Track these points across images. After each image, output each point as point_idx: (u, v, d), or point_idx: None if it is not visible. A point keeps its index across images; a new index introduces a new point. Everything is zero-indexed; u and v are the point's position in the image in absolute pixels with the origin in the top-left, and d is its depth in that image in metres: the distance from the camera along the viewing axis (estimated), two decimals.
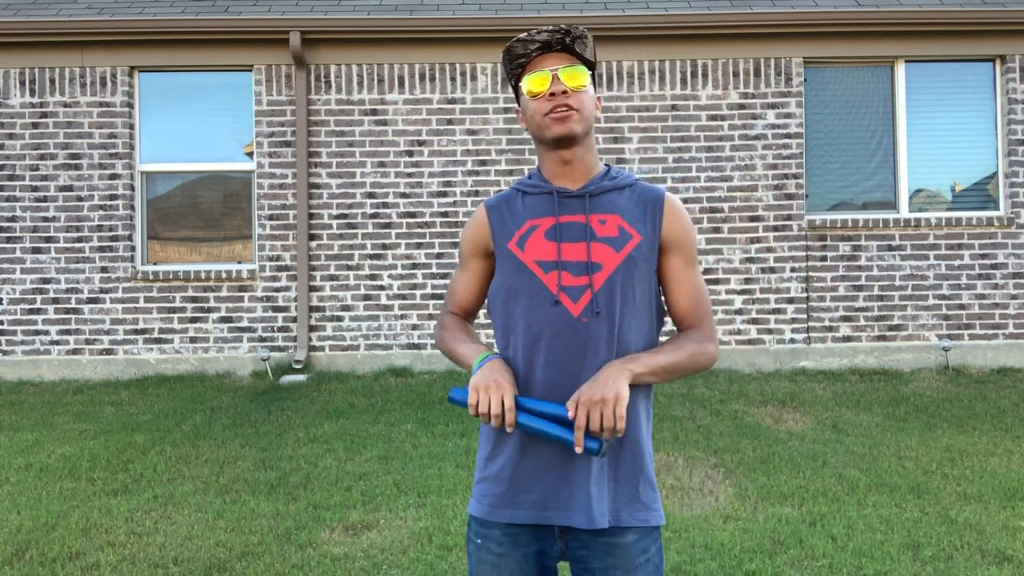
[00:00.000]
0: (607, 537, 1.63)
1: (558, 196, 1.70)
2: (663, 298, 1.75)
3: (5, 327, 7.43)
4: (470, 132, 7.50)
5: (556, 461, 1.63)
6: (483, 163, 7.48)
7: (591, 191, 1.70)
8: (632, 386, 1.64)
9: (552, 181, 1.73)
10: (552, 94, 1.65)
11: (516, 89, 1.75)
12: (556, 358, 1.63)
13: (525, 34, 1.67)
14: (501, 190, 7.47)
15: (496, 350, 1.75)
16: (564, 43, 1.68)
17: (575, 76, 1.66)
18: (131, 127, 7.53)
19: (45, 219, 7.43)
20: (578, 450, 1.52)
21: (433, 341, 7.44)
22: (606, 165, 1.77)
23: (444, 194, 7.47)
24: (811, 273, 7.49)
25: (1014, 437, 5.28)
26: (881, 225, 7.45)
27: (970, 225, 7.49)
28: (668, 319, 7.56)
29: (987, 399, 6.31)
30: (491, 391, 1.56)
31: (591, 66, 1.73)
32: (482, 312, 7.13)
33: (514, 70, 1.73)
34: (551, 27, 1.67)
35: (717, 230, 7.49)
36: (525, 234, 1.70)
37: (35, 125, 7.46)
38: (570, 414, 1.53)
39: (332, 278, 7.48)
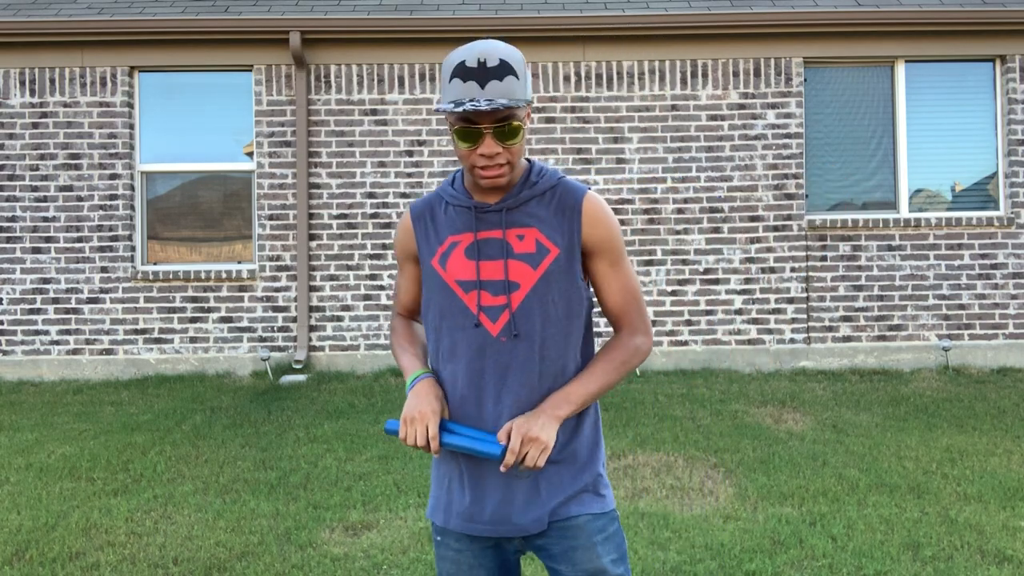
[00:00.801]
0: (560, 522, 1.66)
1: (476, 211, 1.68)
2: (600, 301, 1.77)
3: (5, 327, 7.43)
4: None
5: (488, 472, 1.67)
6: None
7: (509, 205, 1.67)
8: None
9: (473, 194, 1.71)
10: (483, 155, 1.58)
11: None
12: (478, 377, 1.66)
13: (464, 106, 1.51)
14: None
15: (428, 365, 1.78)
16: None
17: (509, 135, 1.58)
18: (131, 127, 7.53)
19: (45, 219, 7.43)
20: (503, 470, 1.57)
21: None
22: (528, 161, 1.73)
23: None
24: (811, 273, 7.49)
25: (1014, 437, 5.28)
26: (881, 225, 7.45)
27: (970, 225, 7.49)
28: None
29: (987, 399, 6.31)
30: (416, 423, 1.60)
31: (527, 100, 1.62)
32: None
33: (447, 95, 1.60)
34: (490, 106, 1.51)
35: (717, 230, 7.49)
36: (447, 251, 1.70)
37: (35, 125, 7.46)
38: (501, 439, 1.58)
39: (332, 278, 7.48)
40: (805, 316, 7.46)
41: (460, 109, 1.51)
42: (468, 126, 1.57)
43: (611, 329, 7.38)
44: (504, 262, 1.66)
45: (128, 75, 7.51)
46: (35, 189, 7.44)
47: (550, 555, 1.68)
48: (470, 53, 1.54)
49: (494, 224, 1.68)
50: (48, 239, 7.43)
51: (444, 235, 1.72)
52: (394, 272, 7.47)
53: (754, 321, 7.46)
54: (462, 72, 1.54)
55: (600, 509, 1.68)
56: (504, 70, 1.55)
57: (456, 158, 7.46)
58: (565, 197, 1.69)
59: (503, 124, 1.57)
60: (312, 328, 7.45)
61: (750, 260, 7.49)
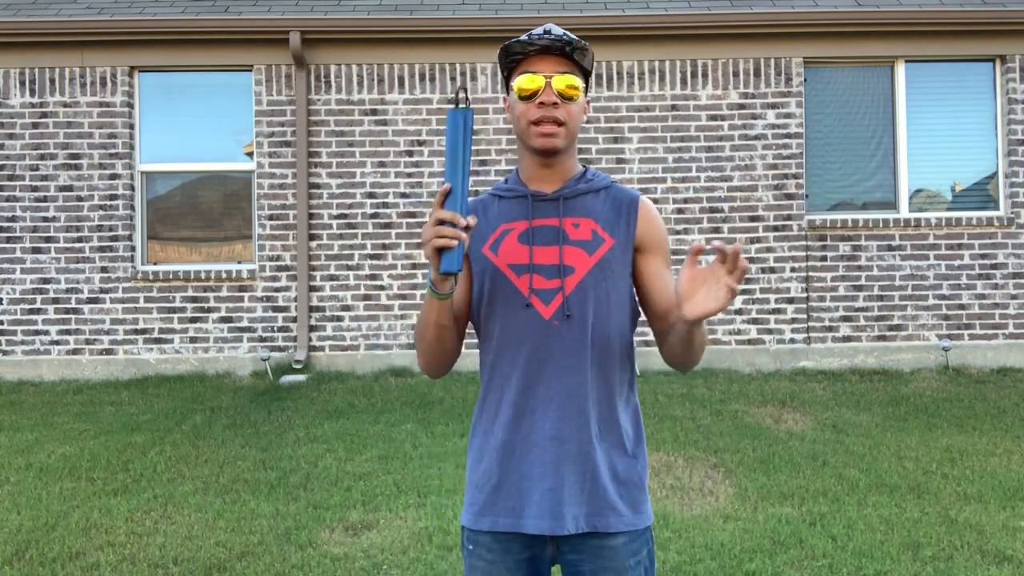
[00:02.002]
0: (597, 540, 1.64)
1: (532, 199, 1.70)
2: (639, 298, 1.75)
3: (5, 327, 7.43)
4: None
5: (535, 468, 1.64)
6: (483, 163, 7.48)
7: (565, 194, 1.70)
8: (611, 393, 1.67)
9: (528, 184, 1.73)
10: (541, 103, 1.62)
11: (507, 80, 1.72)
12: (528, 362, 1.64)
13: (526, 36, 1.63)
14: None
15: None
16: (564, 51, 1.64)
17: (568, 84, 1.63)
18: (131, 127, 7.53)
19: (45, 219, 7.43)
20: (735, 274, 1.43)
21: None
22: (583, 167, 1.77)
23: None
24: (811, 273, 7.49)
25: (1014, 437, 5.28)
26: (881, 225, 7.45)
27: (970, 225, 7.49)
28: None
29: (987, 399, 6.31)
30: (429, 225, 1.48)
31: (587, 75, 1.70)
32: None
33: (508, 63, 1.69)
34: (554, 35, 1.63)
35: (717, 230, 7.49)
36: (499, 238, 1.70)
37: (35, 125, 7.46)
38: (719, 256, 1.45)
39: (332, 278, 7.48)
40: (805, 316, 7.46)
41: (539, 32, 1.61)
42: (531, 73, 1.63)
43: None
44: (559, 247, 1.66)
45: (128, 75, 7.51)
46: (35, 189, 7.44)
47: (578, 572, 1.66)
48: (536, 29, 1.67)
49: (550, 212, 1.69)
50: (48, 239, 7.43)
51: (496, 224, 1.72)
52: (393, 272, 7.47)
53: (754, 321, 7.46)
54: (527, 36, 1.64)
55: (638, 525, 1.66)
56: (579, 44, 1.64)
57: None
58: (620, 196, 1.73)
59: (564, 75, 1.63)
60: (312, 328, 7.45)
61: (750, 260, 7.49)
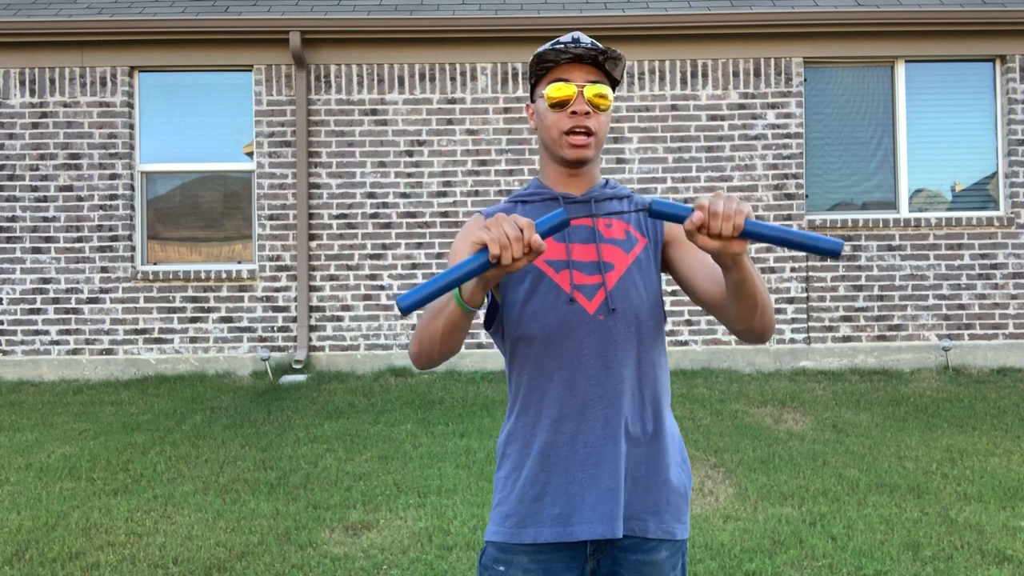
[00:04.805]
0: (639, 555, 1.59)
1: (564, 201, 1.68)
2: (690, 292, 1.66)
3: (5, 327, 7.42)
4: (470, 132, 7.49)
5: (585, 470, 1.57)
6: (483, 163, 7.48)
7: (596, 196, 1.69)
8: (659, 389, 1.62)
9: (556, 188, 1.71)
10: (574, 112, 1.61)
11: (534, 87, 1.70)
12: (572, 358, 1.57)
13: (560, 44, 1.62)
14: (502, 190, 7.47)
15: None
16: (596, 60, 1.63)
17: (599, 94, 1.62)
18: (131, 127, 7.53)
19: (45, 219, 7.43)
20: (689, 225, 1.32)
21: None
22: (604, 178, 1.77)
23: (444, 194, 7.47)
24: (811, 273, 7.49)
25: (1014, 437, 5.28)
26: (881, 225, 7.45)
27: (970, 225, 7.49)
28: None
29: (987, 399, 6.31)
30: (503, 223, 1.32)
31: (615, 84, 1.69)
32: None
33: (539, 71, 1.67)
34: (588, 44, 1.61)
35: None
36: None
37: (35, 125, 7.45)
38: (696, 216, 1.32)
39: (332, 278, 7.48)
40: (805, 316, 7.46)
41: (570, 38, 1.61)
42: (563, 81, 1.62)
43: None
44: (596, 245, 1.63)
45: (128, 75, 7.51)
46: (35, 189, 7.44)
47: None
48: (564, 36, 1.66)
49: (582, 213, 1.66)
50: (48, 239, 7.43)
51: None
52: (393, 272, 7.46)
53: None
54: (561, 44, 1.63)
55: (680, 536, 1.63)
56: (612, 54, 1.64)
57: (456, 158, 7.44)
58: (641, 203, 1.73)
59: (596, 84, 1.62)
60: (312, 328, 7.45)
61: (751, 260, 7.48)
